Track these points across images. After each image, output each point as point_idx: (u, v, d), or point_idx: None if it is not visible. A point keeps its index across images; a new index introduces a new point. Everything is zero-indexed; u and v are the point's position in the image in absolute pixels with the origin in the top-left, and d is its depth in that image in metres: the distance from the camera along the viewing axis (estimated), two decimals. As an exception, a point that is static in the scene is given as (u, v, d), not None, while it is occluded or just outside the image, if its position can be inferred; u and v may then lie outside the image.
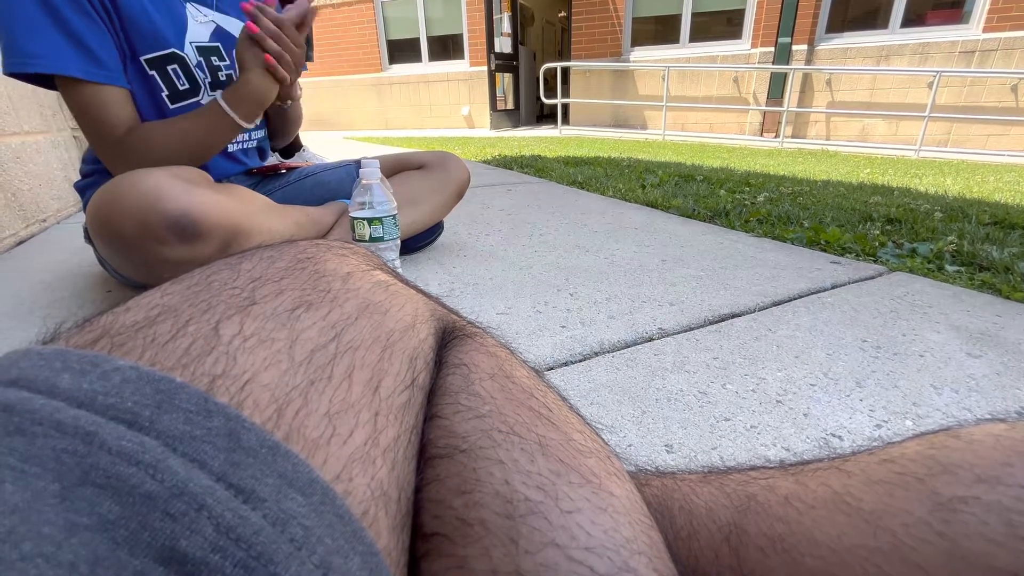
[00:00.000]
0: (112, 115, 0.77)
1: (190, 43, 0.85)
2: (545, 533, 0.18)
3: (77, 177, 0.89)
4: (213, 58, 0.89)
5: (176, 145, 0.81)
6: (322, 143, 4.29)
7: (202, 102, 0.89)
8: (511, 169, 2.61)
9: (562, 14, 8.40)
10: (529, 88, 7.19)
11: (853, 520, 0.21)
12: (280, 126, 1.12)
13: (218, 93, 0.82)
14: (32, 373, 0.14)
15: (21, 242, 1.33)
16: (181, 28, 0.84)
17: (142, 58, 0.80)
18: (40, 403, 0.13)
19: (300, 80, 1.14)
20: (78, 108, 0.76)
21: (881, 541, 0.20)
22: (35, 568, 0.10)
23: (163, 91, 0.84)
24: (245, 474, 0.14)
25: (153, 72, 0.82)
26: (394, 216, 0.88)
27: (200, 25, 0.87)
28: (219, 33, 0.90)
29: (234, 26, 0.92)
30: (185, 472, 0.13)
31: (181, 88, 0.85)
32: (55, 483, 0.12)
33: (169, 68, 0.83)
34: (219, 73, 0.90)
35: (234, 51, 0.85)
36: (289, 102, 1.05)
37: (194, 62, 0.86)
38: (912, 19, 4.68)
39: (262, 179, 1.07)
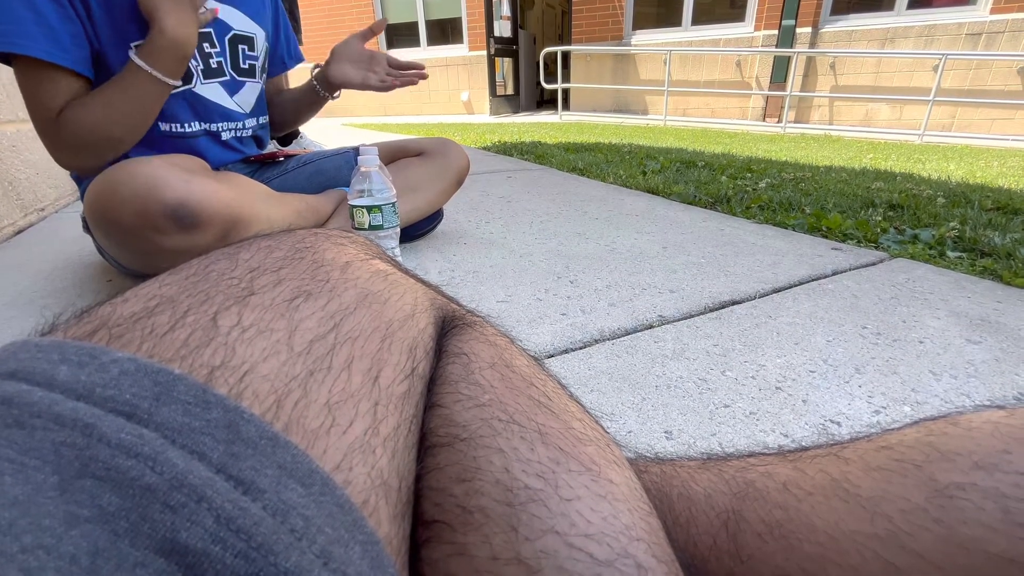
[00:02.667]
0: (60, 98, 0.75)
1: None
2: (545, 520, 0.18)
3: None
4: (205, 44, 0.87)
5: (104, 116, 0.76)
6: (320, 130, 4.25)
7: (194, 90, 0.88)
8: (511, 156, 2.59)
9: (562, -3, 8.27)
10: (529, 73, 7.11)
11: (851, 506, 0.21)
12: (301, 113, 1.14)
13: (132, 50, 0.76)
14: (30, 365, 0.14)
15: (20, 231, 1.32)
16: None
17: (132, 45, 0.79)
18: (38, 395, 0.13)
19: (306, 65, 1.15)
20: (29, 88, 0.75)
21: (878, 527, 0.20)
22: (36, 560, 0.10)
23: None
24: (244, 465, 0.14)
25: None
26: (393, 204, 0.88)
27: None
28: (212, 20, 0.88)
29: (228, 12, 0.90)
30: (184, 464, 0.13)
31: None
32: (54, 475, 0.12)
33: None
34: (211, 60, 0.89)
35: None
36: (335, 94, 1.09)
37: None
38: (918, 0, 4.60)
39: (260, 167, 1.06)
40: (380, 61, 1.05)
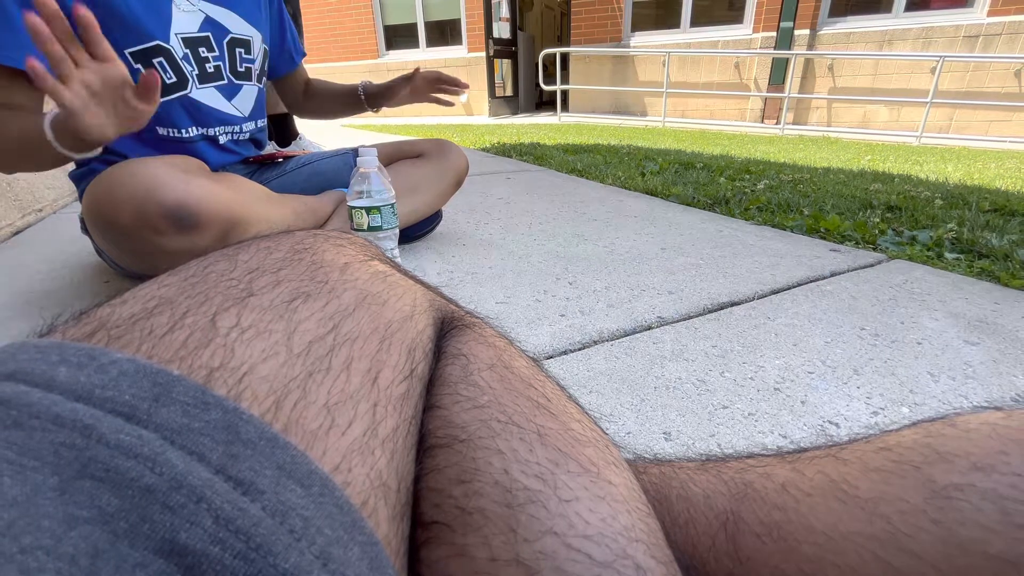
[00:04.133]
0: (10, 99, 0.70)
1: (175, 34, 0.83)
2: (544, 522, 0.18)
3: (73, 166, 0.88)
4: (201, 49, 0.87)
5: (8, 145, 0.70)
6: (319, 131, 4.25)
7: (190, 95, 0.88)
8: (510, 157, 2.59)
9: (561, -2, 8.28)
10: (528, 74, 7.11)
11: (849, 507, 0.21)
12: (330, 113, 1.20)
13: (48, 117, 0.65)
14: (29, 366, 0.14)
15: (17, 232, 1.32)
16: (165, 20, 0.82)
17: (126, 51, 0.79)
18: (37, 396, 0.13)
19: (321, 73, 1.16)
20: None
21: (876, 528, 0.20)
22: (35, 561, 0.10)
23: None
24: (244, 466, 0.14)
25: (138, 66, 0.81)
26: (392, 205, 0.88)
27: (186, 15, 0.85)
28: (209, 23, 0.88)
29: (224, 16, 0.90)
30: (184, 465, 0.13)
31: (168, 82, 0.84)
32: (54, 476, 0.12)
33: (155, 61, 0.82)
34: (207, 65, 0.88)
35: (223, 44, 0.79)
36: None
37: (180, 54, 0.84)
38: (916, 2, 4.62)
39: (259, 168, 1.06)
40: (432, 81, 1.10)
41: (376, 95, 1.14)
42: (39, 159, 0.71)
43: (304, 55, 1.18)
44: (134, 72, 0.81)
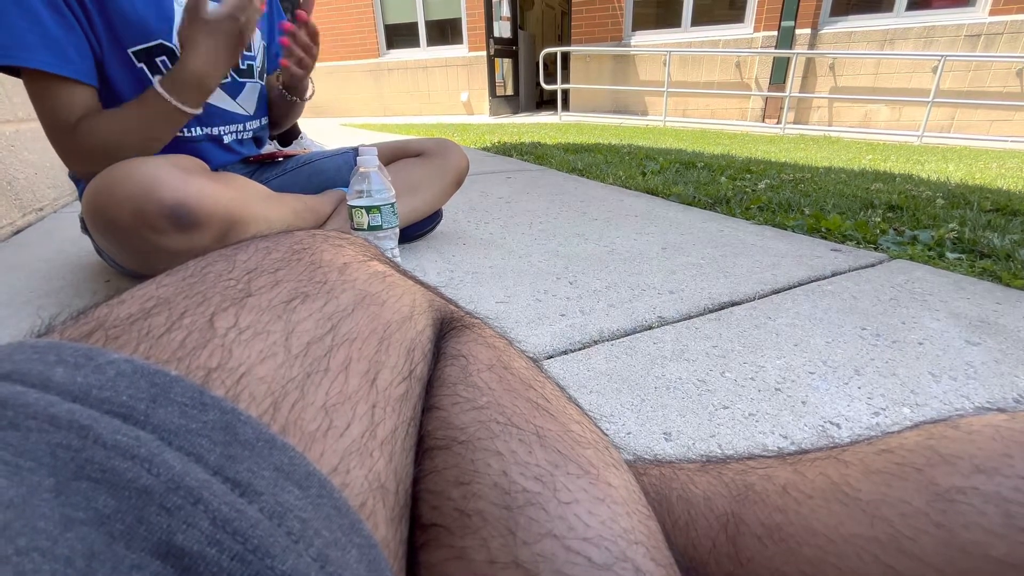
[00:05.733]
0: (72, 109, 0.75)
1: (178, 33, 0.83)
2: (543, 524, 0.18)
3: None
4: None
5: (120, 135, 0.77)
6: (319, 130, 4.25)
7: None
8: (510, 156, 2.59)
9: (562, -3, 8.27)
10: (529, 73, 7.11)
11: (851, 510, 0.21)
12: (284, 116, 1.11)
13: (156, 78, 0.78)
14: (26, 367, 0.14)
15: (18, 231, 1.32)
16: (168, 18, 0.82)
17: (129, 50, 0.79)
18: (34, 397, 0.13)
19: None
20: (38, 99, 0.75)
21: (878, 531, 0.20)
22: (31, 563, 0.10)
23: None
24: (241, 467, 0.14)
25: (141, 64, 0.81)
26: (392, 204, 0.88)
27: None
28: None
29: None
30: (181, 466, 0.13)
31: None
32: (50, 478, 0.12)
33: (157, 60, 0.82)
34: None
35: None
36: (305, 97, 1.06)
37: None
38: (917, 2, 4.61)
39: (259, 167, 1.06)
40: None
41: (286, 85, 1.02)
42: (156, 131, 0.80)
43: None
44: (136, 70, 0.81)
